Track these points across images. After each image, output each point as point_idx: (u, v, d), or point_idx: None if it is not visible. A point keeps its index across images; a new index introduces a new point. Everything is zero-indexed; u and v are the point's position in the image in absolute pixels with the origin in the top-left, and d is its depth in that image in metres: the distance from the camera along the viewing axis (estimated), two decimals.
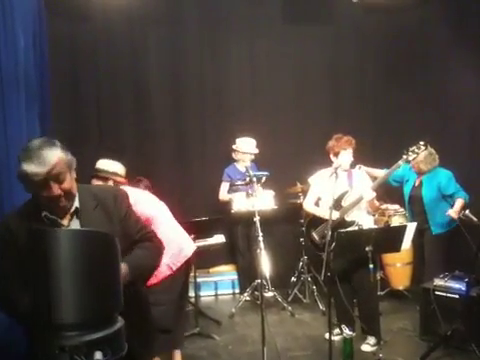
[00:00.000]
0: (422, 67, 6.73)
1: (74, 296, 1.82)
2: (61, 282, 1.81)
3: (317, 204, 5.04)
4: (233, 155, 6.50)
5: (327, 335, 4.37)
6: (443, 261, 5.31)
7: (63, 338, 1.81)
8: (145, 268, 2.57)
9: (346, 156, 4.83)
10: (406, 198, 5.65)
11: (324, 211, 4.80)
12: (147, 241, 2.59)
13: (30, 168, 2.15)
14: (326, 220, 4.63)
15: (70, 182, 2.30)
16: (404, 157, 4.71)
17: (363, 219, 4.76)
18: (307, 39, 6.98)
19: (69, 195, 2.31)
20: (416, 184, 5.53)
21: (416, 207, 5.55)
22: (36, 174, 2.15)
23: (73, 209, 2.37)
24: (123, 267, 2.23)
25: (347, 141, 4.84)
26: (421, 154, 4.97)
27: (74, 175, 2.36)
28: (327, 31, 7.00)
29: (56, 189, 2.22)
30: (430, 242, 5.42)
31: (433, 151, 5.34)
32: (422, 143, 4.70)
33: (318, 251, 4.94)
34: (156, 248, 2.67)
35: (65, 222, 2.35)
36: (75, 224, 2.37)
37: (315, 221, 5.01)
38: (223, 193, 6.41)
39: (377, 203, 5.15)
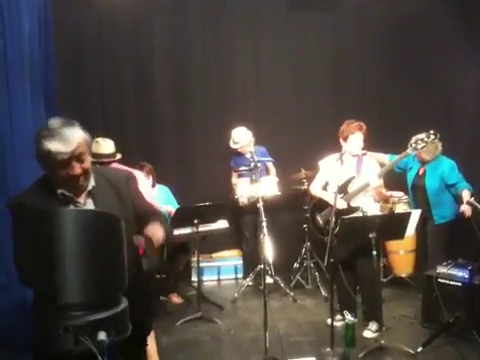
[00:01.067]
0: (426, 58, 6.69)
1: (79, 276, 1.84)
2: (66, 262, 1.82)
3: (325, 188, 5.02)
4: (239, 150, 6.31)
5: (329, 321, 4.40)
6: (446, 250, 5.29)
7: (67, 318, 1.83)
8: (168, 232, 2.62)
9: (354, 141, 4.78)
10: (409, 186, 5.64)
11: (330, 195, 4.79)
12: (155, 218, 2.59)
13: (54, 146, 2.18)
14: (331, 205, 4.65)
15: (89, 162, 2.33)
16: (413, 145, 4.66)
17: (369, 206, 4.75)
18: (311, 28, 6.94)
19: (87, 174, 2.34)
20: (420, 173, 5.51)
21: (419, 196, 5.53)
22: (60, 152, 2.18)
23: (90, 188, 2.40)
24: (158, 229, 2.38)
25: (357, 126, 4.80)
26: None
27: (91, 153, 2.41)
28: (331, 20, 6.95)
29: (77, 168, 2.26)
30: (433, 231, 5.41)
31: (436, 140, 5.30)
32: (432, 132, 4.64)
33: (321, 235, 4.95)
34: (165, 223, 2.70)
35: (81, 200, 2.38)
36: (90, 203, 2.40)
37: (320, 205, 4.99)
38: (234, 178, 6.42)
39: (385, 191, 5.13)
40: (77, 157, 2.24)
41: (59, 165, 2.22)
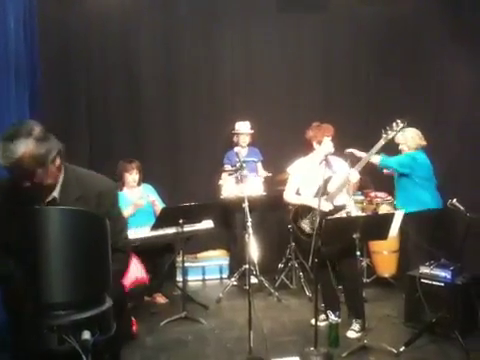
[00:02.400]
0: (415, 57, 6.73)
1: (63, 275, 1.83)
2: (50, 261, 1.82)
3: (298, 194, 5.02)
4: (234, 139, 6.57)
5: (313, 321, 4.42)
6: (416, 243, 5.33)
7: (51, 317, 1.82)
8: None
9: (328, 143, 4.86)
10: None
11: (309, 199, 4.82)
12: (120, 251, 2.45)
13: None
14: (313, 208, 4.68)
15: (41, 176, 2.24)
16: (384, 136, 4.79)
17: (350, 203, 4.82)
18: (301, 27, 6.98)
19: (40, 187, 2.27)
20: None
21: None
22: (3, 165, 2.15)
23: (50, 198, 2.33)
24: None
25: (328, 128, 4.90)
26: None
27: (55, 165, 2.31)
28: (321, 20, 6.98)
29: (24, 181, 2.19)
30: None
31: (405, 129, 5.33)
32: (400, 121, 4.79)
33: (309, 240, 4.94)
34: (126, 260, 2.67)
35: None
36: None
37: (302, 211, 4.96)
38: (223, 178, 6.44)
39: (372, 193, 5.17)
40: (21, 170, 2.18)
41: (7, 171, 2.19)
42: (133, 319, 4.81)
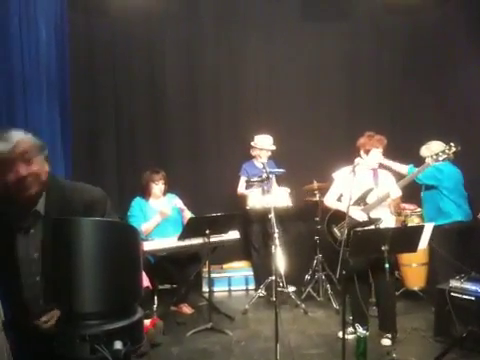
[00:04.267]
0: (440, 67, 6.67)
1: (95, 285, 1.84)
2: (83, 271, 1.83)
3: (339, 200, 5.01)
4: (251, 151, 6.50)
5: (340, 334, 4.37)
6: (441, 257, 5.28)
7: (84, 327, 1.83)
8: None
9: (376, 155, 4.84)
10: None
11: (345, 206, 4.79)
12: None
13: None
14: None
15: (31, 176, 2.17)
16: (434, 157, 4.68)
17: (386, 218, 4.76)
18: (325, 36, 6.96)
19: (36, 180, 2.20)
20: None
21: None
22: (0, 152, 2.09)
23: (34, 209, 2.26)
24: None
25: (379, 140, 4.85)
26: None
27: (44, 168, 2.25)
28: (345, 29, 6.96)
29: (13, 174, 2.12)
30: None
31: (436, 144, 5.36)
32: (453, 144, 4.67)
33: (338, 247, 4.91)
34: None
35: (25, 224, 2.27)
36: (38, 228, 2.28)
37: (336, 217, 4.96)
38: (241, 188, 6.41)
39: (402, 205, 5.11)
40: (21, 157, 2.13)
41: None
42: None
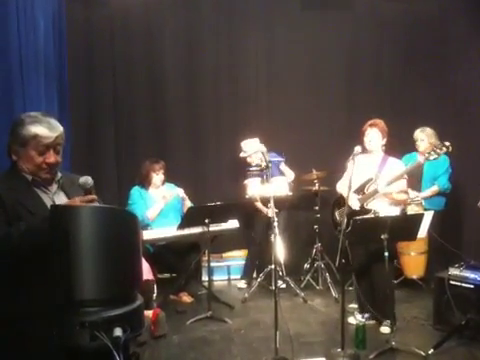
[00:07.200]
0: (440, 56, 6.65)
1: (95, 272, 1.85)
2: (82, 258, 1.84)
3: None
4: (248, 160, 6.22)
5: (351, 319, 4.39)
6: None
7: (83, 314, 1.84)
8: None
9: (367, 137, 4.84)
10: None
11: (345, 191, 4.79)
12: None
13: (42, 131, 2.31)
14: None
15: (61, 155, 2.44)
16: (426, 155, 4.65)
17: (384, 209, 4.72)
18: (325, 26, 6.90)
19: (57, 166, 2.45)
20: None
21: None
22: (47, 137, 2.32)
23: (58, 177, 2.48)
24: None
25: (369, 123, 4.87)
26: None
27: None
28: (345, 18, 6.91)
29: (52, 157, 2.37)
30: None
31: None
32: (447, 144, 4.63)
33: (337, 232, 4.91)
34: None
35: (52, 189, 2.44)
36: (61, 194, 2.45)
37: (339, 202, 5.03)
38: (251, 190, 6.20)
39: (403, 196, 5.03)
40: (57, 145, 2.38)
41: (39, 150, 2.32)
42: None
